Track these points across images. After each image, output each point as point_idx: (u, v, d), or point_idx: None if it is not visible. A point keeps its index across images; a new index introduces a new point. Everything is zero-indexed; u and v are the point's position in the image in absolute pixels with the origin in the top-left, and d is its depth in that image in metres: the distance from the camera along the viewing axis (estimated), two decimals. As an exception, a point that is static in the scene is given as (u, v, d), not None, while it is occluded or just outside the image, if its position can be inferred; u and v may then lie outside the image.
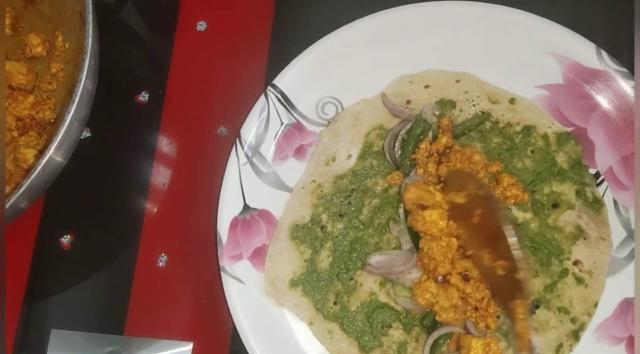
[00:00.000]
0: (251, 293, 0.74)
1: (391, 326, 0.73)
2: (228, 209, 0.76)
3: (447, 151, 0.75)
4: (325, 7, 0.86)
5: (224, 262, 0.74)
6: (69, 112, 0.62)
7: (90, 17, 0.66)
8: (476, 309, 0.70)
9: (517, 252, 0.67)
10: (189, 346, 0.77)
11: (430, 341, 0.71)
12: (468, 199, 0.70)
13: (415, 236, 0.72)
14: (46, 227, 0.81)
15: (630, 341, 0.72)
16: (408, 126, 0.76)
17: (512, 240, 0.67)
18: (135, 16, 0.89)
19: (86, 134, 0.83)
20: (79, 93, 0.63)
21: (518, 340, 0.67)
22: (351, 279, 0.75)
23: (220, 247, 0.75)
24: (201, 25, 0.87)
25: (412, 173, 0.75)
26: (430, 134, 0.76)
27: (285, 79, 0.79)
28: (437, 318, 0.69)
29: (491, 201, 0.69)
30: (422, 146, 0.74)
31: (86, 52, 0.64)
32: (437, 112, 0.78)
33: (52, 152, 0.63)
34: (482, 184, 0.71)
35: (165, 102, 0.85)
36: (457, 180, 0.72)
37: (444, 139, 0.74)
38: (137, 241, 0.81)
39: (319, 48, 0.79)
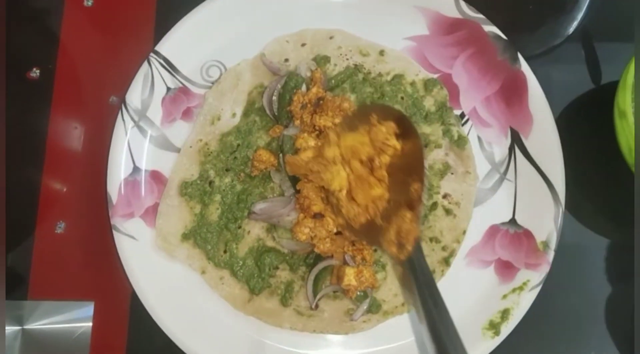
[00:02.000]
0: (144, 249, 0.78)
1: (278, 268, 0.78)
2: (117, 171, 0.79)
3: (320, 102, 0.80)
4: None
5: (116, 220, 0.78)
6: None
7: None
8: (353, 243, 0.76)
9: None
10: (90, 306, 0.80)
11: (312, 276, 0.76)
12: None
13: (295, 182, 0.77)
14: (-56, 204, 0.83)
15: (499, 263, 0.79)
16: (283, 80, 0.81)
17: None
18: (22, -5, 0.91)
19: (-21, 112, 0.86)
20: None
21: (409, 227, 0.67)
22: (239, 227, 0.79)
23: (111, 207, 0.78)
24: (89, 1, 0.90)
25: (290, 125, 0.80)
26: (303, 87, 0.80)
27: (167, 46, 0.83)
28: (316, 250, 0.74)
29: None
30: (295, 97, 0.79)
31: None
32: (313, 68, 0.83)
33: None
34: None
35: (56, 77, 0.87)
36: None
37: (314, 90, 0.79)
38: (34, 212, 0.83)
39: (198, 14, 0.84)
